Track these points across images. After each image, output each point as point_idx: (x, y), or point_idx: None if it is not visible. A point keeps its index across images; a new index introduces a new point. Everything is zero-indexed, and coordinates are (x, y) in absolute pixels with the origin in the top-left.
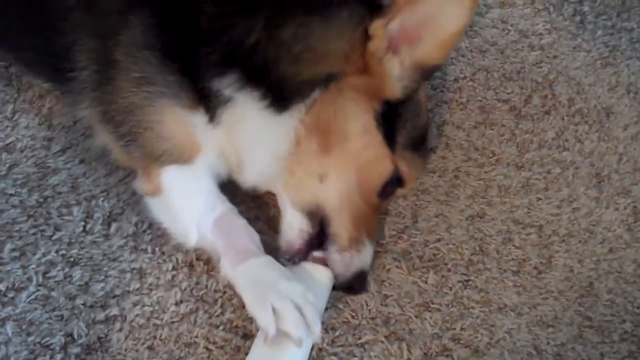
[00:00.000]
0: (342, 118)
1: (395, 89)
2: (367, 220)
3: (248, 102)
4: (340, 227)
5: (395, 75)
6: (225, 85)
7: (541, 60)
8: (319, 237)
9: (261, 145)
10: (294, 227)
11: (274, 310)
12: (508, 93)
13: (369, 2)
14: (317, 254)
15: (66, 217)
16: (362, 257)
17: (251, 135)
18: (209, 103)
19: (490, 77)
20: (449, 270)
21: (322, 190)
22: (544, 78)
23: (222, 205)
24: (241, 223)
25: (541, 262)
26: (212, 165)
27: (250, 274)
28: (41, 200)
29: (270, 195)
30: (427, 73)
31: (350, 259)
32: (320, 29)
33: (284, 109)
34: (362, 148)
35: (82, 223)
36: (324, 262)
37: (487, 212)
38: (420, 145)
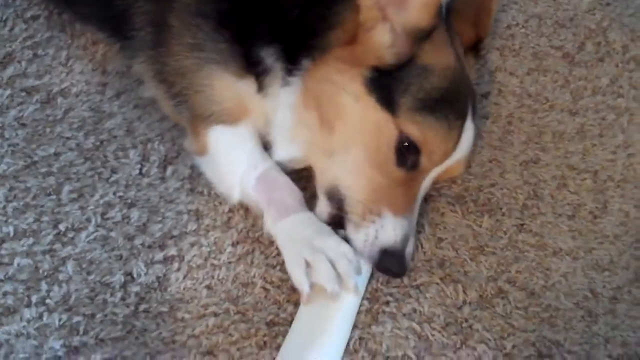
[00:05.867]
0: (330, 89)
1: (385, 56)
2: (390, 192)
3: (278, 75)
4: (354, 201)
5: (385, 43)
6: (270, 54)
7: (594, 7)
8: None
9: (281, 121)
10: (319, 207)
11: (307, 264)
12: (561, 40)
13: None
14: (342, 233)
15: (122, 160)
16: (385, 233)
17: (277, 110)
18: (256, 72)
19: (543, 24)
20: (504, 214)
21: (333, 166)
22: (597, 25)
23: (264, 163)
24: (284, 180)
25: (596, 207)
26: (257, 128)
27: (289, 229)
28: (97, 143)
29: None
30: (418, 37)
31: (368, 234)
32: (334, 6)
33: (287, 82)
34: (357, 116)
35: (139, 166)
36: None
37: (542, 157)
38: (437, 109)
